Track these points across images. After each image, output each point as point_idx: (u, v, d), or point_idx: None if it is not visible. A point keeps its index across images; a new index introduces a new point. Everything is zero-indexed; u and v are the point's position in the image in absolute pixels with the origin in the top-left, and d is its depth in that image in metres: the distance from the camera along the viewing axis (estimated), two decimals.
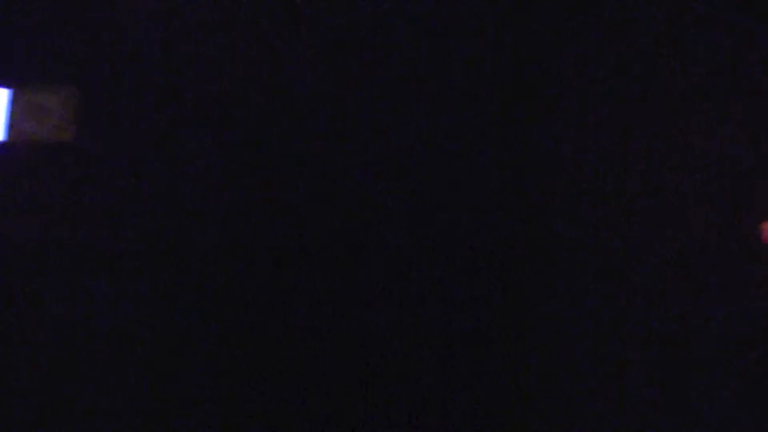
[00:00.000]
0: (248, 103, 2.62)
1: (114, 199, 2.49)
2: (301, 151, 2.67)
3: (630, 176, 2.58)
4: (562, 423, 2.56)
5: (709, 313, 2.50)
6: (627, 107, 2.61)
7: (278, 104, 2.67)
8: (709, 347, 2.47)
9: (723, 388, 2.43)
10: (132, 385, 2.47)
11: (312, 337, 2.61)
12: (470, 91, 2.72)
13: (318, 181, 2.67)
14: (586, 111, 2.64)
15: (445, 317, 2.64)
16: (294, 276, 2.63)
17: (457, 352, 2.61)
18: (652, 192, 2.56)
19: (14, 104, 2.29)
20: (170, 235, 2.54)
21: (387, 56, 2.74)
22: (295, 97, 2.67)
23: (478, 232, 2.70)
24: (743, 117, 2.48)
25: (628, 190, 2.58)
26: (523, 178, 2.67)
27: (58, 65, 2.35)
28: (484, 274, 2.67)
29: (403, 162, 2.70)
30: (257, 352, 2.57)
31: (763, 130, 2.46)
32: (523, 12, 2.69)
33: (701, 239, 2.54)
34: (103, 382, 2.44)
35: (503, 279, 2.64)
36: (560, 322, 2.58)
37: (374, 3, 2.72)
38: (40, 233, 2.39)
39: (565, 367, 2.55)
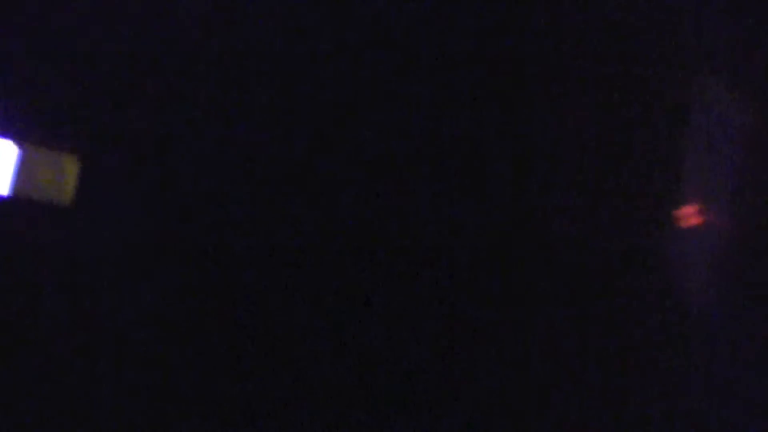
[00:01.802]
0: (249, 102, 2.62)
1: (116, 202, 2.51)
2: (299, 150, 2.68)
3: (630, 175, 2.58)
4: (562, 423, 2.57)
5: (709, 313, 2.51)
6: (627, 106, 2.62)
7: (277, 102, 2.67)
8: (709, 347, 2.47)
9: (723, 387, 2.44)
10: (131, 385, 2.47)
11: (310, 336, 2.61)
12: (469, 91, 2.72)
13: (315, 179, 2.67)
14: (585, 110, 2.64)
15: (443, 317, 2.65)
16: (291, 275, 2.63)
17: (455, 352, 2.61)
18: (652, 191, 2.56)
19: (21, 161, 2.38)
20: (171, 235, 2.54)
21: (385, 55, 2.74)
22: (292, 96, 2.68)
23: (477, 231, 2.70)
24: (743, 117, 2.49)
25: (628, 189, 2.58)
26: (521, 177, 2.68)
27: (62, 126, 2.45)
28: (483, 274, 2.67)
29: (401, 161, 2.71)
30: (257, 353, 2.57)
31: (761, 129, 2.47)
32: (523, 12, 2.69)
33: (701, 238, 2.55)
34: (104, 383, 2.44)
35: (502, 279, 2.64)
36: (560, 321, 2.58)
37: (373, 1, 2.72)
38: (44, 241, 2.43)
39: (565, 366, 2.56)
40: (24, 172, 2.38)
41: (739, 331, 2.46)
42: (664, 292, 2.51)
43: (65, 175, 2.42)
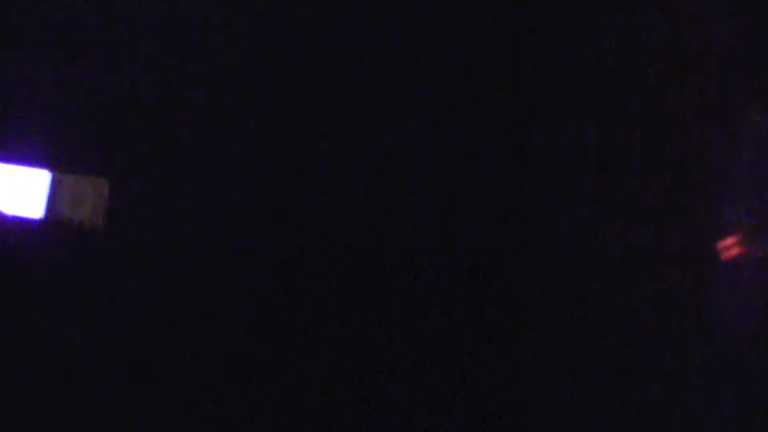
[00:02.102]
0: (250, 102, 2.62)
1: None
2: (299, 151, 2.68)
3: (630, 175, 2.58)
4: (561, 423, 2.57)
5: (709, 313, 2.50)
6: (626, 107, 2.61)
7: (276, 104, 2.67)
8: (709, 347, 2.47)
9: (724, 388, 2.43)
10: (132, 386, 2.49)
11: (310, 336, 2.61)
12: (470, 91, 2.72)
13: (316, 180, 2.68)
14: (585, 110, 2.63)
15: (443, 317, 2.65)
16: (291, 276, 2.63)
17: (455, 352, 2.62)
18: (652, 191, 2.56)
19: (53, 187, 2.45)
20: (173, 237, 2.55)
21: (387, 56, 2.74)
22: (292, 97, 2.68)
23: (477, 231, 2.70)
24: (744, 117, 2.48)
25: (628, 190, 2.58)
26: (521, 177, 2.67)
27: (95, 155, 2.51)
28: (483, 274, 2.67)
29: (401, 161, 2.71)
30: (258, 353, 2.58)
31: (763, 131, 2.45)
32: (523, 12, 2.69)
33: (701, 238, 2.54)
34: (104, 384, 2.46)
35: (502, 279, 2.64)
36: (559, 321, 2.58)
37: (374, 2, 2.72)
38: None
39: (565, 366, 2.56)
40: (56, 196, 2.44)
41: (739, 331, 2.46)
42: (664, 291, 2.51)
43: (96, 199, 2.48)
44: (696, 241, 2.50)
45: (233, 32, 2.61)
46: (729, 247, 2.41)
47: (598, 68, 2.61)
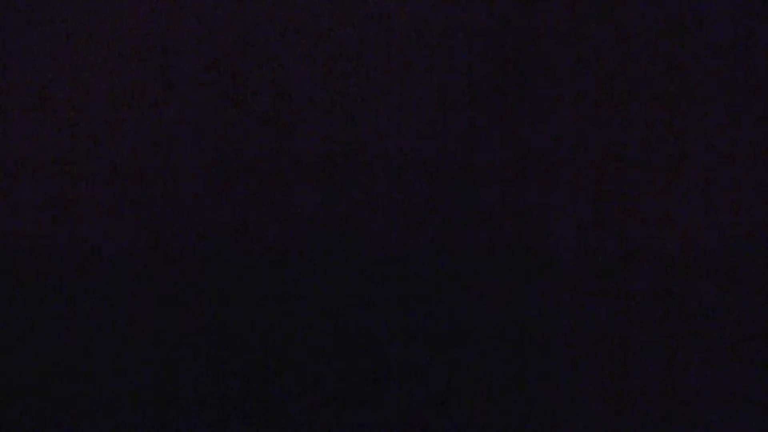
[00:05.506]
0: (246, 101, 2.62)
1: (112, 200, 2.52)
2: (297, 150, 2.68)
3: (630, 175, 2.57)
4: (562, 423, 2.56)
5: (710, 313, 2.50)
6: (627, 106, 2.61)
7: (275, 102, 2.67)
8: (710, 347, 2.46)
9: (724, 388, 2.42)
10: (131, 386, 2.47)
11: (309, 337, 2.61)
12: (469, 90, 2.72)
13: (314, 179, 2.67)
14: (586, 110, 2.63)
15: (442, 317, 2.64)
16: (291, 276, 2.63)
17: (455, 353, 2.61)
18: (652, 191, 2.55)
19: None
20: (167, 235, 2.54)
21: (384, 54, 2.74)
22: (291, 95, 2.68)
23: (476, 231, 2.70)
24: (744, 115, 2.47)
25: (629, 189, 2.57)
26: (521, 177, 2.67)
27: None
28: (482, 273, 2.66)
29: (399, 161, 2.70)
30: (258, 353, 2.57)
31: (763, 128, 2.45)
32: (523, 12, 2.68)
33: (702, 238, 2.54)
34: (103, 383, 2.44)
35: (501, 279, 2.64)
36: (560, 322, 2.58)
37: (372, 1, 2.72)
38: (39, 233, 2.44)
39: (565, 367, 2.55)
40: None
41: (739, 331, 2.45)
42: (664, 292, 2.50)
43: None
44: (696, 241, 2.50)
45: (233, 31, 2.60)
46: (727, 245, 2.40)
47: (599, 67, 2.61)
